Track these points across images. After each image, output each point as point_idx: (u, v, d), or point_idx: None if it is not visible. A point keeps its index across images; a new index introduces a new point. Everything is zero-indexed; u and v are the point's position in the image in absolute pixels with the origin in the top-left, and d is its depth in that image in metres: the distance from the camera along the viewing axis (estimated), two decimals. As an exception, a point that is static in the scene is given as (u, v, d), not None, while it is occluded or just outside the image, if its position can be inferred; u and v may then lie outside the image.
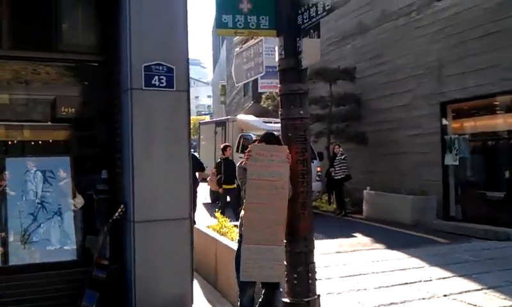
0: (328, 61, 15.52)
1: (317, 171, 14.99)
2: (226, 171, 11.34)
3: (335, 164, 14.57)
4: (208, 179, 12.80)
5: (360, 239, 10.57)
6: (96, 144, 5.58)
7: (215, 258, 6.52)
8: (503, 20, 10.89)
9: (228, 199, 12.08)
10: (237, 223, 4.97)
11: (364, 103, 15.90)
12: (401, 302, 5.96)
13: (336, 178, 14.51)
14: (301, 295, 4.44)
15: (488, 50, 11.23)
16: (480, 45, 11.41)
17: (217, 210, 7.87)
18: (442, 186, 12.71)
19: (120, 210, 4.73)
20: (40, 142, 5.69)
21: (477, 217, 11.74)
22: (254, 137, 12.56)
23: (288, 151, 4.39)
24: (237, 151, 15.34)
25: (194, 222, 7.05)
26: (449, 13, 12.46)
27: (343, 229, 11.66)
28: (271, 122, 15.91)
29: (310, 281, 4.52)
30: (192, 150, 5.26)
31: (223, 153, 11.70)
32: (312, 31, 4.59)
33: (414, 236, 10.91)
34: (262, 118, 17.52)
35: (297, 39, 4.63)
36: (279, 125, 4.91)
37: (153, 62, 4.80)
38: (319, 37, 4.64)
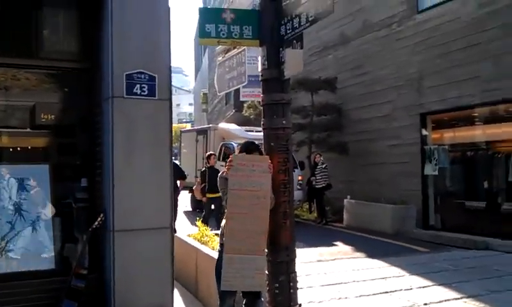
0: (309, 71, 15.61)
1: (298, 180, 15.03)
2: (210, 179, 11.19)
3: (316, 173, 14.66)
4: (194, 188, 12.73)
5: (341, 248, 10.61)
6: (76, 151, 5.51)
7: (195, 267, 6.48)
8: (483, 33, 11.08)
9: (213, 207, 12.01)
10: (218, 232, 4.95)
11: (345, 113, 16.02)
12: (382, 312, 6.00)
13: (317, 186, 14.59)
14: (282, 305, 4.44)
15: (469, 61, 11.40)
16: (461, 57, 11.59)
17: (198, 219, 7.82)
18: (422, 196, 12.84)
19: (99, 218, 4.68)
20: (19, 149, 5.60)
21: (456, 226, 11.89)
22: (236, 146, 12.56)
23: (270, 161, 4.40)
24: (219, 159, 15.32)
25: (175, 231, 7.01)
26: (430, 25, 12.64)
27: (324, 238, 11.69)
28: (253, 131, 15.94)
29: (291, 291, 4.52)
30: (173, 158, 5.23)
31: (208, 162, 11.64)
32: (295, 41, 4.61)
33: (394, 245, 10.99)
34: (243, 127, 17.55)
35: (280, 49, 4.65)
36: (260, 133, 4.93)
37: (135, 71, 4.77)
38: (301, 48, 4.66)
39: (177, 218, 11.66)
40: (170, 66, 5.05)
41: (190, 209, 18.71)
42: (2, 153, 5.28)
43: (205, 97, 42.44)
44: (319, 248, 10.20)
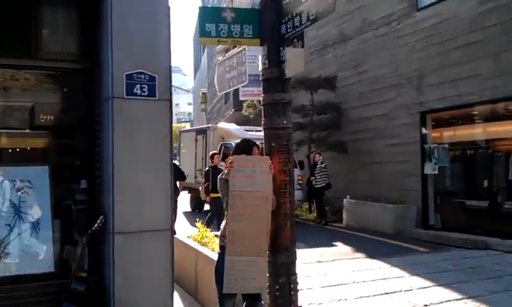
0: (309, 70, 15.56)
1: (298, 180, 15.00)
2: (214, 179, 11.07)
3: (315, 172, 14.62)
4: (200, 189, 12.69)
5: (341, 248, 10.59)
6: (76, 152, 5.46)
7: (195, 269, 6.45)
8: (482, 30, 11.05)
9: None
10: (218, 233, 4.91)
11: (345, 112, 16.00)
12: (382, 313, 5.98)
13: (316, 186, 14.55)
14: (283, 307, 4.42)
15: (468, 59, 11.38)
16: (460, 55, 11.57)
17: (198, 220, 7.76)
18: (421, 195, 12.81)
19: (99, 220, 4.63)
20: (18, 150, 5.56)
21: (456, 226, 11.87)
22: (235, 146, 12.49)
23: (270, 161, 4.37)
24: (218, 159, 15.27)
25: (174, 232, 6.97)
26: (429, 23, 12.61)
27: (323, 238, 11.68)
28: (253, 130, 15.92)
29: (292, 292, 4.50)
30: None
31: (211, 161, 11.58)
32: (295, 40, 4.58)
33: (394, 245, 10.98)
34: (243, 126, 17.52)
35: (281, 48, 4.63)
36: (260, 133, 4.90)
37: (135, 71, 4.72)
38: (302, 47, 4.63)
39: (177, 219, 11.62)
40: (170, 66, 5.00)
41: (189, 210, 18.70)
42: (2, 155, 5.24)
43: (204, 96, 42.45)
44: (318, 248, 10.18)
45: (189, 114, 77.58)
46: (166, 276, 4.71)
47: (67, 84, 5.47)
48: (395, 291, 6.81)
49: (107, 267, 4.65)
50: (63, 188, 5.15)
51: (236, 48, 5.61)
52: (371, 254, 9.53)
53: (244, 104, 20.04)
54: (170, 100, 4.92)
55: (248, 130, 16.22)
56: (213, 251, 6.07)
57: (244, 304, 4.45)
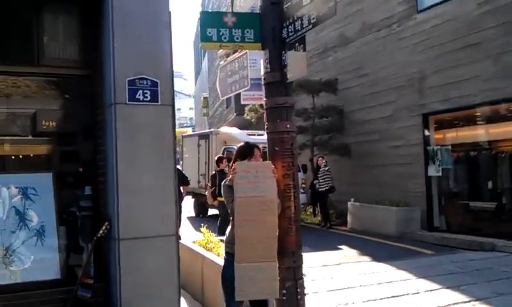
0: (310, 73, 15.54)
1: (301, 183, 14.97)
2: (220, 183, 10.96)
3: (318, 175, 14.60)
4: (206, 193, 12.68)
5: (346, 252, 10.55)
6: (79, 159, 5.46)
7: (201, 274, 6.42)
8: (482, 32, 11.06)
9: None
10: (223, 238, 4.89)
11: (346, 115, 15.99)
12: (390, 316, 5.94)
13: (320, 190, 14.52)
14: (290, 312, 4.39)
15: (469, 61, 11.37)
16: (461, 57, 11.56)
17: (205, 226, 7.72)
18: (426, 197, 12.78)
19: (104, 227, 4.61)
20: (22, 157, 5.56)
21: (461, 227, 11.84)
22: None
23: (272, 165, 4.35)
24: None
25: (179, 237, 6.93)
26: (429, 25, 12.61)
27: (328, 242, 11.65)
28: (255, 134, 15.91)
29: (298, 297, 4.47)
30: (175, 164, 5.17)
31: (218, 165, 11.55)
32: (297, 44, 4.57)
33: (399, 247, 10.94)
34: (245, 131, 17.51)
35: (283, 52, 4.61)
36: (262, 137, 4.88)
37: (137, 76, 4.71)
38: (304, 50, 4.63)
39: (181, 224, 11.58)
40: (172, 71, 5.00)
41: (193, 215, 18.68)
42: (5, 162, 5.23)
43: (206, 101, 42.43)
44: (324, 252, 10.15)
45: (191, 118, 77.67)
46: (172, 282, 4.69)
47: (69, 90, 5.47)
48: (403, 294, 6.77)
49: (113, 274, 4.63)
50: (67, 195, 5.14)
51: (237, 53, 5.60)
52: (377, 257, 9.49)
53: (246, 108, 20.02)
54: (173, 105, 4.91)
55: (250, 134, 16.20)
56: (219, 256, 6.04)
57: (251, 309, 4.43)
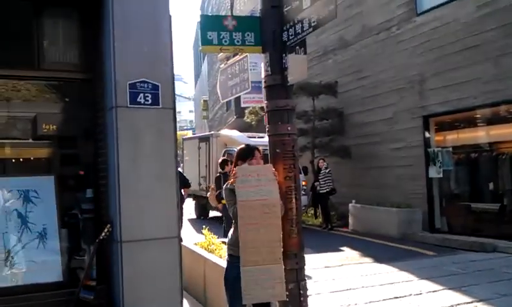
0: (310, 76, 15.48)
1: (302, 185, 14.97)
2: None
3: (319, 177, 14.61)
4: (208, 195, 12.69)
5: (348, 253, 10.55)
6: (81, 162, 5.48)
7: (203, 276, 6.42)
8: (482, 34, 11.06)
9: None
10: (225, 239, 4.89)
11: (347, 117, 16.00)
12: (392, 317, 5.94)
13: (321, 191, 14.53)
14: (293, 313, 4.38)
15: (468, 63, 11.38)
16: (461, 59, 11.57)
17: (207, 228, 7.72)
18: (427, 199, 12.78)
19: (106, 229, 4.62)
20: (23, 160, 5.58)
21: (463, 228, 11.83)
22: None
23: (273, 168, 4.35)
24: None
25: (181, 239, 6.94)
26: (429, 28, 12.62)
27: (330, 244, 11.65)
28: (255, 137, 15.92)
29: (301, 299, 4.46)
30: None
31: (222, 168, 11.55)
32: (297, 47, 4.58)
33: (401, 249, 10.94)
34: (246, 133, 17.53)
35: (283, 55, 4.61)
36: (262, 139, 4.88)
37: (138, 80, 4.73)
38: (305, 53, 4.63)
39: (182, 226, 11.59)
40: (173, 74, 5.01)
41: (194, 217, 18.69)
42: (7, 165, 5.25)
43: (206, 104, 42.46)
44: (325, 254, 10.14)
45: (191, 121, 77.70)
46: (174, 284, 4.70)
47: (70, 94, 5.49)
48: (405, 296, 6.77)
49: (116, 276, 4.63)
50: (68, 197, 5.17)
51: (238, 56, 5.61)
52: (378, 259, 9.49)
53: (246, 111, 20.04)
54: (174, 108, 4.92)
55: (250, 137, 16.22)
56: (221, 257, 6.05)
57: (255, 311, 4.42)
